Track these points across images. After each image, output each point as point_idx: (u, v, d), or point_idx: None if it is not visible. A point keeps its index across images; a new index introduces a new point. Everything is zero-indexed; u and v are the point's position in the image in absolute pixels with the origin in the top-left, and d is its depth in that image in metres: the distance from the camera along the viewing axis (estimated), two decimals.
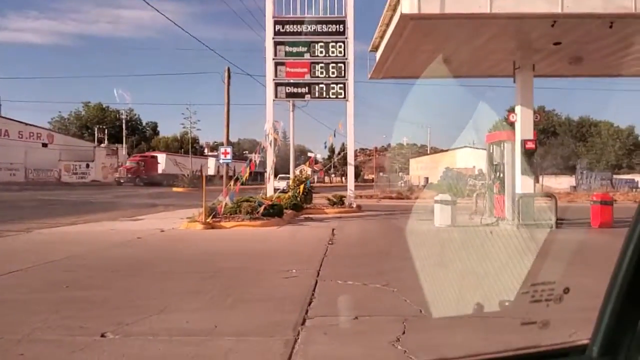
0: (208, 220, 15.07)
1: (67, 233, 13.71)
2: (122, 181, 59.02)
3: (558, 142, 67.21)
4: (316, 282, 7.42)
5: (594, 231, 14.41)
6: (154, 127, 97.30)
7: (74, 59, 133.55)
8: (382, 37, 17.02)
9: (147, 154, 67.30)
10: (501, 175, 16.33)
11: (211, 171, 63.76)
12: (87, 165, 66.99)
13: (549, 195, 17.76)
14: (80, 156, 66.54)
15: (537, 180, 18.16)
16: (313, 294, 6.62)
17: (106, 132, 77.29)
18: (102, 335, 4.96)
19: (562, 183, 48.93)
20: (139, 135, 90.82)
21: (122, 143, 75.10)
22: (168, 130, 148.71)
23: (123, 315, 5.64)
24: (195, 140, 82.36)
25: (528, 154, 15.76)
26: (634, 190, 40.10)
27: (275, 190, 21.93)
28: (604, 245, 11.56)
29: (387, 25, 15.64)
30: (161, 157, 64.28)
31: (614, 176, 47.66)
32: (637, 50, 15.55)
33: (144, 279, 7.87)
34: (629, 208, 22.10)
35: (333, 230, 14.50)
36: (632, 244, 0.91)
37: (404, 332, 5.01)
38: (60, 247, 10.78)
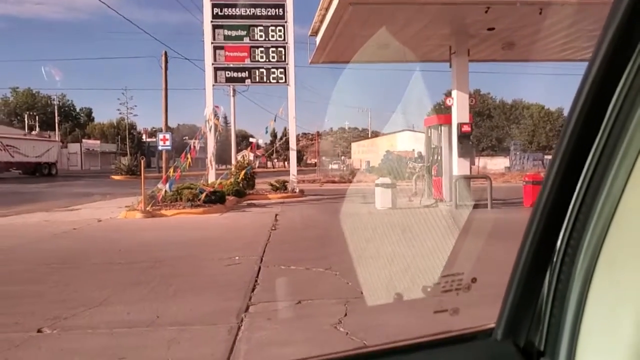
0: (148, 208, 14.76)
1: None
2: None
3: (493, 125, 69.47)
4: (259, 268, 7.44)
5: (526, 210, 15.05)
6: (89, 113, 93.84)
7: None
8: (321, 22, 17.02)
9: None
10: (439, 157, 16.78)
11: None
12: None
13: (484, 176, 18.40)
14: None
15: (473, 162, 18.73)
16: (256, 280, 6.65)
17: (37, 118, 73.88)
18: (39, 331, 4.82)
19: (497, 164, 50.69)
20: (73, 122, 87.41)
21: (54, 130, 72.04)
22: (104, 116, 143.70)
23: (60, 309, 5.49)
24: (132, 126, 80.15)
25: (464, 136, 16.22)
26: None
27: None
28: None
29: (327, 9, 15.64)
30: None
31: (545, 157, 49.71)
32: (565, 36, 16.23)
33: (82, 272, 7.66)
34: None
35: (276, 215, 14.51)
36: (531, 232, 0.99)
37: (345, 315, 5.12)
38: None
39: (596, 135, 0.89)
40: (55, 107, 76.38)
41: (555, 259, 0.99)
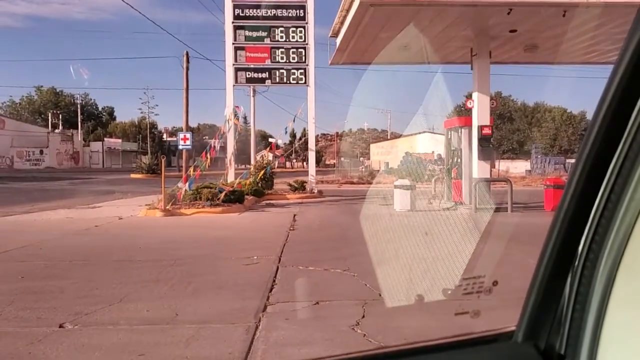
0: (168, 207, 14.90)
1: (21, 222, 13.34)
2: None
3: (514, 127, 68.78)
4: (277, 268, 7.46)
5: (547, 214, 14.88)
6: (111, 112, 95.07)
7: (25, 41, 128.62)
8: (342, 23, 17.01)
9: None
10: (459, 160, 16.66)
11: None
12: (41, 152, 65.11)
13: (505, 179, 18.24)
14: (33, 142, 64.56)
15: (493, 165, 18.59)
16: (274, 280, 6.67)
17: (60, 117, 75.08)
18: (61, 326, 4.90)
19: (517, 167, 50.15)
20: (95, 121, 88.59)
21: (77, 128, 73.14)
22: (126, 115, 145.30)
23: (81, 305, 5.57)
24: (153, 126, 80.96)
25: (485, 139, 16.08)
26: None
27: None
28: None
29: (347, 11, 15.63)
30: None
31: (567, 160, 49.02)
32: (589, 38, 16.01)
33: (102, 268, 7.76)
34: None
35: (294, 215, 14.54)
36: (553, 235, 0.99)
37: (363, 316, 5.12)
38: (14, 237, 10.50)
39: (620, 140, 0.89)
40: (78, 106, 77.50)
41: (577, 263, 0.99)
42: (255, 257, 8.31)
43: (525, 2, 12.86)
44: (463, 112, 22.64)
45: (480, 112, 16.20)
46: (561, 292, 1.02)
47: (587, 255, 0.97)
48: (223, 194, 16.14)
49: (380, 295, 5.73)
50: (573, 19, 13.74)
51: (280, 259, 8.14)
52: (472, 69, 16.88)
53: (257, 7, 21.56)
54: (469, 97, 17.59)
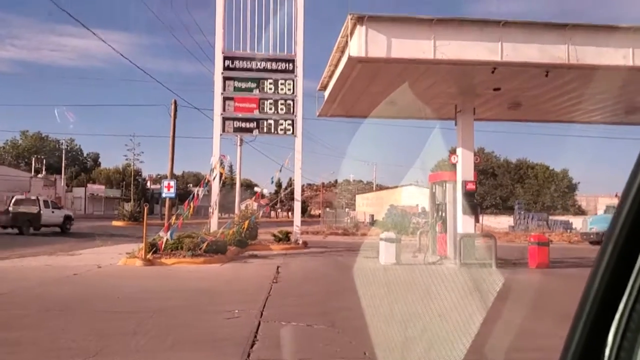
0: (148, 256, 14.63)
1: None
2: None
3: (497, 183, 69.52)
4: (259, 323, 7.28)
5: (532, 272, 14.84)
6: (95, 158, 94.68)
7: (12, 86, 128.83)
8: (330, 77, 17.32)
9: None
10: (443, 214, 16.70)
11: None
12: None
13: (489, 235, 18.27)
14: (15, 186, 63.69)
15: (477, 220, 18.61)
16: (256, 336, 6.49)
17: (44, 162, 74.48)
18: None
19: (501, 223, 50.29)
20: (79, 166, 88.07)
21: (61, 174, 72.51)
22: (111, 161, 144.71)
23: (55, 358, 5.37)
24: (138, 173, 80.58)
25: (469, 194, 16.19)
26: (568, 231, 41.60)
27: None
28: (545, 287, 11.94)
29: (336, 66, 15.96)
30: None
31: (550, 217, 49.32)
32: (572, 97, 16.44)
33: (79, 319, 7.52)
34: (564, 248, 22.92)
35: (278, 267, 14.35)
36: (594, 285, 0.91)
37: None
38: None
39: None
40: (63, 151, 77.13)
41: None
42: (237, 311, 8.12)
43: (508, 62, 13.22)
44: (447, 167, 22.87)
45: (464, 168, 16.37)
46: None
47: (620, 345, 0.90)
48: (205, 244, 15.91)
49: (365, 353, 5.58)
50: (556, 79, 14.14)
51: (262, 313, 7.95)
52: (456, 125, 17.16)
53: (247, 59, 21.92)
54: (453, 152, 17.79)
